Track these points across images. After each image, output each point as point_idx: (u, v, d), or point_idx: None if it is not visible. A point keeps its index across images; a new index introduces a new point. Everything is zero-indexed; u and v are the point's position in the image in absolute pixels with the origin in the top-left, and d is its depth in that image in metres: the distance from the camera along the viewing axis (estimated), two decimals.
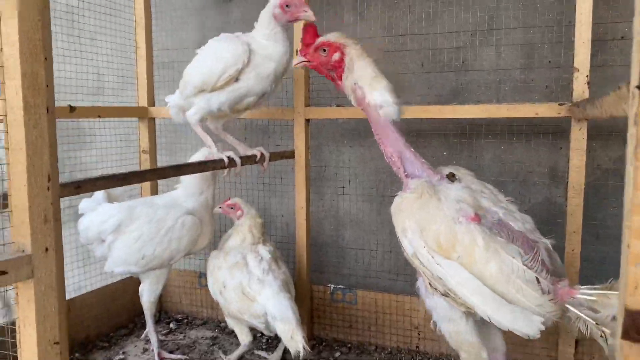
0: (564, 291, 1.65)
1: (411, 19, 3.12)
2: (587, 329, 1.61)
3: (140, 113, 3.39)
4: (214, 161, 2.46)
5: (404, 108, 1.99)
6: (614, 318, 1.51)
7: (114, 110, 3.29)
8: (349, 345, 3.11)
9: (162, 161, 3.67)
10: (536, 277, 1.63)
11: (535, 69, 2.90)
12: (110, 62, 3.74)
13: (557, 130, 2.82)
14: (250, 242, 2.77)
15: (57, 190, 1.44)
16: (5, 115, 1.31)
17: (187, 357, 2.98)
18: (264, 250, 2.74)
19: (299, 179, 3.08)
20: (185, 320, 3.49)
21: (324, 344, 3.15)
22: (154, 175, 2.22)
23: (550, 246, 1.81)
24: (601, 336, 1.57)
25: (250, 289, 2.56)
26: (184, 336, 3.27)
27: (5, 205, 1.43)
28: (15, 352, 1.38)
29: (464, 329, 1.81)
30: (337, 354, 3.00)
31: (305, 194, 3.07)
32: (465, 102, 2.98)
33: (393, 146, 1.96)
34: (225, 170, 2.61)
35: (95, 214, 2.81)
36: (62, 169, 4.40)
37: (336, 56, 1.96)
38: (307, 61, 2.02)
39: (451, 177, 1.92)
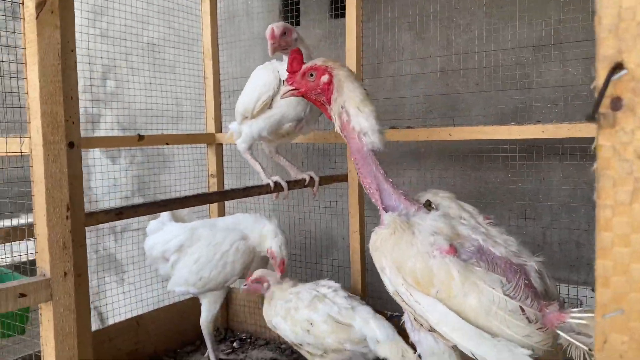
0: (553, 316, 1.49)
1: (470, 36, 3.01)
2: (581, 357, 1.43)
3: (208, 139, 3.56)
4: (259, 186, 2.53)
5: (385, 137, 1.87)
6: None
7: (181, 138, 3.49)
8: None
9: (229, 184, 3.82)
10: (520, 306, 1.48)
11: None
12: (187, 92, 3.99)
13: None
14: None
15: (81, 218, 1.55)
16: (30, 152, 1.45)
17: None
18: (329, 284, 2.69)
19: (352, 203, 3.05)
20: (249, 340, 3.57)
21: None
22: (197, 201, 2.32)
23: (540, 267, 1.64)
24: None
25: (342, 317, 2.49)
26: (245, 356, 3.35)
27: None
28: None
29: None
30: None
31: (359, 217, 3.04)
32: (529, 121, 2.80)
33: (371, 177, 1.86)
34: (274, 195, 2.67)
35: (160, 233, 2.99)
36: (147, 191, 4.72)
37: (324, 79, 1.89)
38: (295, 89, 1.96)
39: (428, 207, 1.81)
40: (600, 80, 0.79)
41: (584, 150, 2.71)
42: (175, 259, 2.89)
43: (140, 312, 3.29)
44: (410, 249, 1.65)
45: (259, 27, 3.86)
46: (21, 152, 1.46)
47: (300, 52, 1.98)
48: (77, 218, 1.53)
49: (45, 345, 1.48)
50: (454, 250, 1.63)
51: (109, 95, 4.76)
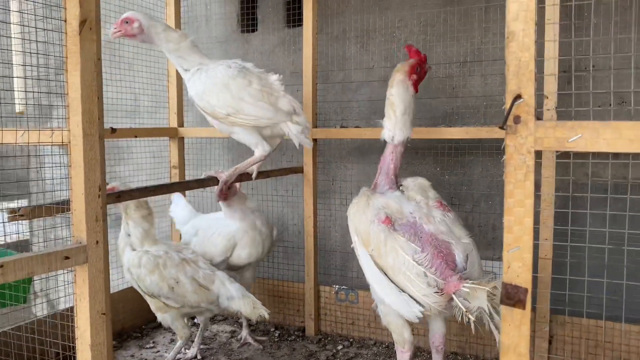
0: (452, 284, 2.01)
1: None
2: (461, 316, 1.97)
3: (171, 133, 3.87)
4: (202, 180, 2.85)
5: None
6: (478, 309, 1.89)
7: (148, 131, 3.78)
8: (351, 339, 3.49)
9: (190, 175, 4.14)
10: (424, 272, 2.02)
11: None
12: (145, 87, 4.25)
13: None
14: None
15: (105, 197, 1.88)
16: (69, 142, 1.77)
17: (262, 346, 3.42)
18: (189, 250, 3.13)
19: (307, 192, 3.50)
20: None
21: (328, 338, 3.53)
22: (180, 187, 2.67)
23: (468, 246, 2.20)
24: (468, 322, 1.93)
25: (204, 280, 2.89)
26: (206, 330, 3.71)
27: (63, 210, 1.89)
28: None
29: (392, 311, 2.21)
30: (340, 347, 3.39)
31: (313, 205, 3.49)
32: (454, 125, 3.36)
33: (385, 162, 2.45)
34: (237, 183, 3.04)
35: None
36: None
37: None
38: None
39: (399, 188, 2.37)
40: (507, 105, 1.28)
41: (499, 149, 3.30)
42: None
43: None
44: (362, 216, 2.23)
45: (217, 31, 4.19)
46: (62, 142, 1.77)
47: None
48: (104, 197, 1.86)
49: (79, 301, 1.81)
50: (389, 221, 2.17)
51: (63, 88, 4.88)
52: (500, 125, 1.29)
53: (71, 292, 2.95)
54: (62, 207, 1.89)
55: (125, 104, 4.25)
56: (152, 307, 2.94)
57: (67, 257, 1.71)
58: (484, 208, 3.40)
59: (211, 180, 2.80)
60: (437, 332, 2.37)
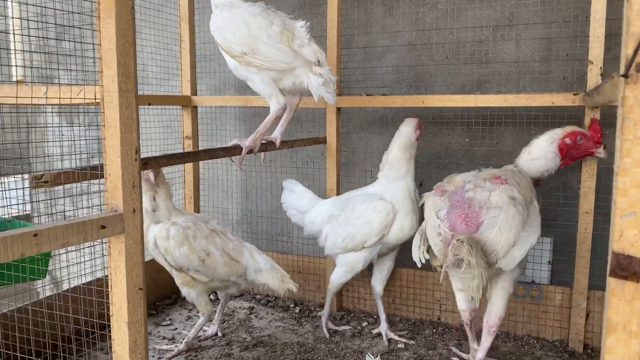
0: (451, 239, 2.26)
1: (437, 14, 3.35)
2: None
3: (185, 101, 3.68)
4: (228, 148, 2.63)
5: None
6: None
7: (162, 98, 3.58)
8: (375, 316, 3.38)
9: (203, 146, 3.96)
10: (439, 224, 2.27)
11: (553, 61, 3.10)
12: (155, 54, 4.03)
13: (572, 119, 3.02)
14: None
15: (140, 161, 1.71)
16: (102, 99, 1.59)
17: (351, 327, 3.20)
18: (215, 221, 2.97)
19: (330, 164, 3.34)
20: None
21: (352, 315, 3.42)
22: (207, 155, 2.50)
23: (500, 213, 2.27)
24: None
25: (234, 253, 2.77)
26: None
27: (95, 176, 1.72)
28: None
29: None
30: (364, 324, 3.27)
31: (336, 177, 3.33)
32: (487, 93, 3.20)
33: None
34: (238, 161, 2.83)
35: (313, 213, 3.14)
36: None
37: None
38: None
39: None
40: (630, 51, 1.13)
41: (530, 118, 3.16)
42: (328, 230, 3.04)
43: None
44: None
45: None
46: (95, 99, 1.59)
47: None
48: (139, 161, 1.69)
49: (114, 275, 1.65)
50: (439, 190, 2.38)
51: (64, 56, 4.65)
52: (624, 74, 1.13)
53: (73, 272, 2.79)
54: (92, 172, 1.71)
55: None
56: (178, 282, 2.78)
57: (103, 227, 1.55)
58: None
59: (237, 148, 2.62)
60: (493, 313, 2.27)
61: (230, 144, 2.59)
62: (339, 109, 3.31)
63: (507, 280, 2.30)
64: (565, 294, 2.98)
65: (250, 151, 2.61)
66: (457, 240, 2.08)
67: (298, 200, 3.23)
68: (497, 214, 2.17)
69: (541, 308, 3.05)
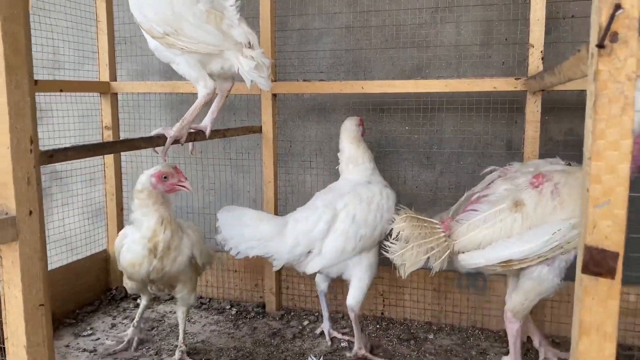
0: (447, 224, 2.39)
1: None
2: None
3: (103, 88, 3.33)
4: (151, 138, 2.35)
5: None
6: None
7: (75, 85, 3.22)
8: (316, 314, 3.21)
9: (125, 137, 3.62)
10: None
11: (493, 45, 3.03)
12: (68, 35, 3.64)
13: (513, 104, 2.97)
14: None
15: (38, 154, 1.43)
16: None
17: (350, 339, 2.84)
18: None
19: (266, 154, 3.12)
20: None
21: (292, 313, 3.23)
22: (125, 147, 2.21)
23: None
24: None
25: None
26: (152, 311, 3.28)
27: None
28: None
29: None
30: (306, 322, 3.09)
31: (273, 168, 3.12)
32: (428, 78, 3.08)
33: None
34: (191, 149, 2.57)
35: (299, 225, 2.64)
36: None
37: None
38: None
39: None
40: (603, 19, 0.99)
41: (471, 104, 3.08)
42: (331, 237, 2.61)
43: None
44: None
45: None
46: None
47: None
48: (37, 154, 1.41)
49: (7, 289, 1.36)
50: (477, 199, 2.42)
51: None
52: (599, 44, 0.99)
53: None
54: None
55: (42, 58, 3.63)
56: None
57: None
58: (455, 168, 3.18)
59: (161, 138, 2.36)
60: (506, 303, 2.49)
61: (153, 133, 2.32)
62: (274, 95, 3.10)
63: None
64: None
65: (176, 141, 2.35)
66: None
67: (255, 229, 2.63)
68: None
69: (485, 298, 2.99)
